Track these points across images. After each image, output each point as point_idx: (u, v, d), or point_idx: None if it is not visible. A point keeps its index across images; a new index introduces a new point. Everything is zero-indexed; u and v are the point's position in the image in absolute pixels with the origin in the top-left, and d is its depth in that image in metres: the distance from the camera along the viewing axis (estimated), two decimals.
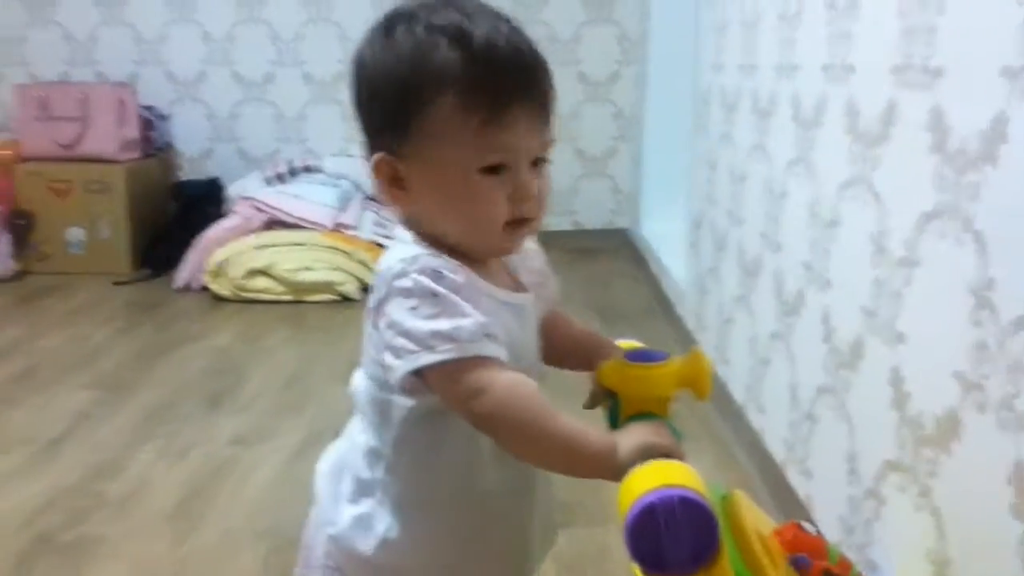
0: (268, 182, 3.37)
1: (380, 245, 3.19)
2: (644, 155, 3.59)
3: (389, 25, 0.76)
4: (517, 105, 0.73)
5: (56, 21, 3.68)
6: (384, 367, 0.74)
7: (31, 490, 1.74)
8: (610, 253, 3.74)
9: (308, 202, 3.22)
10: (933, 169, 1.05)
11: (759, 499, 1.65)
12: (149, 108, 3.65)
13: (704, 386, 0.81)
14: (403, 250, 0.75)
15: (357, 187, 3.45)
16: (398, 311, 0.72)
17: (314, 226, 3.16)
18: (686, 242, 2.58)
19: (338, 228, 3.19)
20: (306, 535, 0.86)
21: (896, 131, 1.17)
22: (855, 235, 1.30)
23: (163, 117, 3.70)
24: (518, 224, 0.76)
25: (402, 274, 0.72)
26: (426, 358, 0.70)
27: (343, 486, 0.82)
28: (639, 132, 3.65)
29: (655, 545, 0.64)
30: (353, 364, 0.83)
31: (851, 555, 1.27)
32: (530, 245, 0.86)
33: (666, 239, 3.09)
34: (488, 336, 0.71)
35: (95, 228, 3.41)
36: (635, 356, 0.82)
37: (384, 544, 0.79)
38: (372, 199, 3.46)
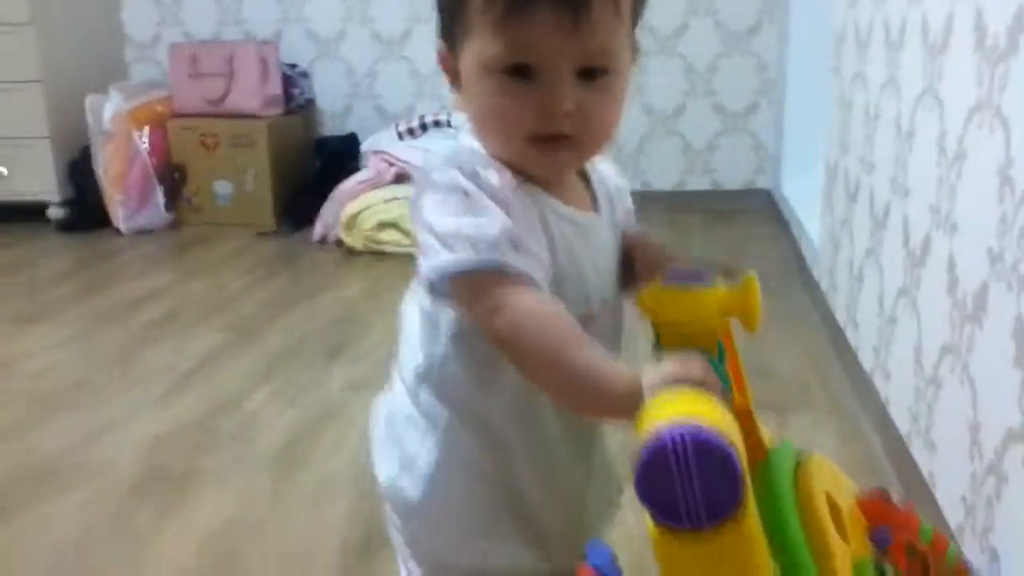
0: (400, 136, 3.41)
1: None
2: (787, 110, 3.39)
3: None
4: (519, 6, 0.66)
5: None
6: (417, 268, 0.70)
7: (156, 422, 1.84)
8: (750, 214, 3.57)
9: (437, 155, 3.24)
10: None
11: (883, 477, 1.52)
12: (292, 66, 3.76)
13: (753, 316, 0.72)
14: (453, 146, 0.73)
15: None
16: (427, 206, 0.68)
17: None
18: (822, 196, 2.42)
19: None
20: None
21: None
22: (981, 169, 1.16)
23: (305, 75, 3.81)
24: (550, 140, 0.69)
25: (439, 168, 0.70)
26: (445, 257, 0.66)
27: (392, 430, 0.80)
28: (782, 85, 3.45)
29: (665, 489, 0.56)
30: None
31: (972, 542, 1.15)
32: (604, 167, 0.81)
33: (806, 197, 2.91)
34: (514, 245, 0.65)
35: (241, 181, 3.56)
36: (675, 276, 0.74)
37: (430, 481, 0.75)
38: None
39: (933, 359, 1.36)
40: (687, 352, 0.69)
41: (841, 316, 2.08)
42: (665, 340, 0.73)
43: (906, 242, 1.54)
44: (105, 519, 1.50)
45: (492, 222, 0.65)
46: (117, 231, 3.46)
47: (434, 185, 0.69)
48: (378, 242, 3.11)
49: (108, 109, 3.42)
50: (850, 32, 2.07)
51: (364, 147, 3.52)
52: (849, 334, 1.97)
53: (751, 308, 0.72)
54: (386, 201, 3.12)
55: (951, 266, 1.29)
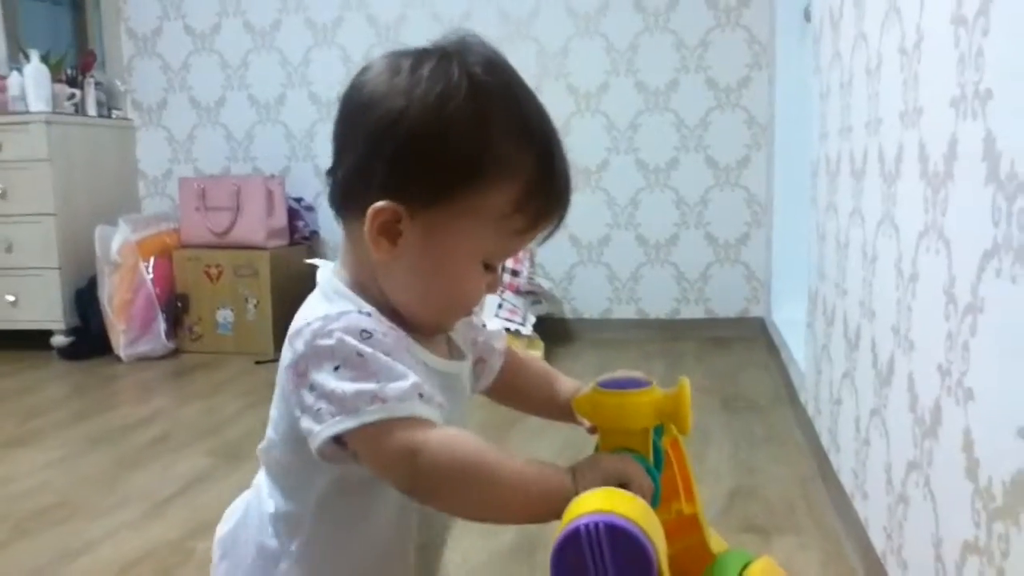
0: None
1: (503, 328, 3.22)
2: (775, 240, 3.47)
3: (451, 69, 0.70)
4: (549, 225, 0.74)
5: (220, 122, 4.04)
6: (304, 431, 0.68)
7: (133, 543, 1.83)
8: (744, 342, 3.61)
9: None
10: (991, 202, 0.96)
11: None
12: (298, 200, 3.90)
13: (684, 419, 0.74)
14: (325, 304, 0.71)
15: None
16: (319, 372, 0.66)
17: None
18: (806, 322, 2.45)
19: None
20: None
21: (958, 166, 1.07)
22: (930, 288, 1.19)
23: (310, 208, 3.94)
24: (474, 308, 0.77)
25: (324, 332, 0.67)
26: (350, 422, 0.65)
27: (243, 551, 0.78)
28: (770, 216, 3.54)
29: (588, 567, 0.58)
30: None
31: None
32: (475, 319, 0.85)
33: (794, 325, 2.94)
34: (422, 396, 0.66)
35: (243, 310, 3.63)
36: (610, 384, 0.77)
37: None
38: None
39: (901, 476, 1.35)
40: (627, 455, 0.71)
41: (825, 439, 2.08)
42: (603, 443, 0.75)
43: (875, 363, 1.56)
44: None
45: (397, 381, 0.65)
46: (118, 358, 3.51)
47: (325, 350, 0.66)
48: None
49: (116, 240, 3.54)
50: (822, 164, 2.16)
51: None
52: (832, 457, 1.97)
53: (683, 411, 0.74)
54: None
55: (911, 384, 1.31)
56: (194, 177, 3.92)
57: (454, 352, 0.80)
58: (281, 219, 3.74)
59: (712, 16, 3.65)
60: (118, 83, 4.07)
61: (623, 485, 0.65)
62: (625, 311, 3.86)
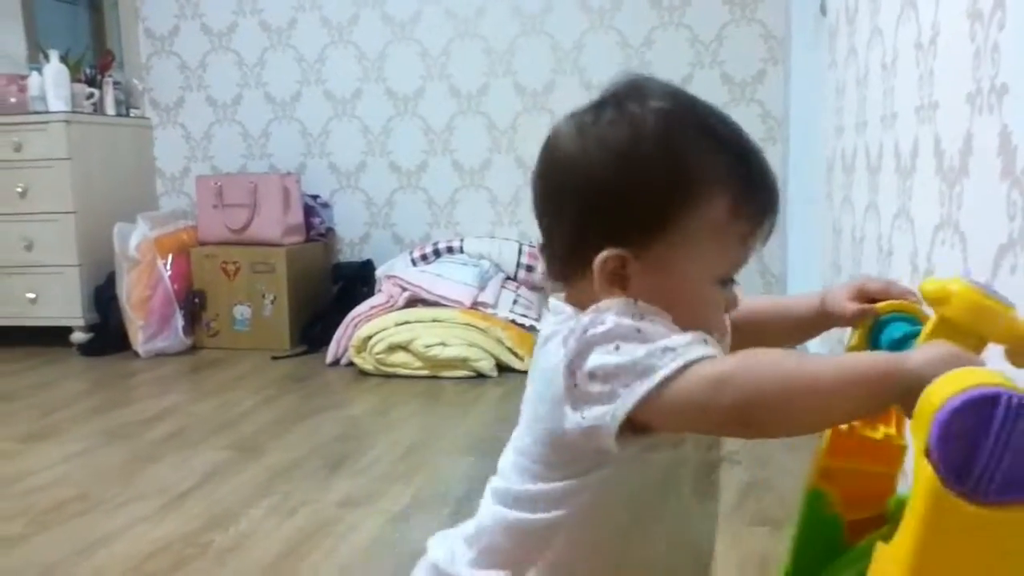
0: (413, 262, 3.51)
1: (517, 324, 3.22)
2: (791, 233, 3.46)
3: (633, 108, 0.72)
4: (768, 223, 0.73)
5: (236, 120, 4.07)
6: (588, 434, 0.66)
7: (150, 536, 1.84)
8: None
9: (449, 280, 3.32)
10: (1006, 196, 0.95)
11: None
12: (314, 197, 3.92)
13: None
14: (579, 312, 0.71)
15: (497, 267, 3.52)
16: (600, 357, 0.65)
17: (453, 304, 3.24)
18: None
19: (476, 306, 3.26)
20: None
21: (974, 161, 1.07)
22: None
23: (326, 205, 3.96)
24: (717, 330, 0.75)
25: (597, 322, 0.66)
26: (649, 381, 0.62)
27: (461, 554, 0.78)
28: (785, 210, 3.52)
29: (970, 442, 0.51)
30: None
31: None
32: None
33: None
34: (706, 341, 0.65)
35: (259, 306, 3.65)
36: (986, 286, 0.68)
37: None
38: (511, 279, 3.52)
39: None
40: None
41: None
42: (935, 334, 0.67)
43: None
44: None
45: (678, 336, 0.65)
46: (136, 354, 3.54)
47: (602, 335, 0.66)
48: (388, 365, 3.15)
49: (135, 237, 3.57)
50: (838, 159, 2.15)
51: (378, 272, 3.61)
52: None
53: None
54: (397, 324, 3.18)
55: None
56: (211, 175, 3.94)
57: None
58: (297, 216, 3.75)
59: (727, 11, 3.64)
60: (136, 82, 4.10)
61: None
62: None
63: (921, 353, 0.58)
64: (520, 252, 3.58)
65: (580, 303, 0.72)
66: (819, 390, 0.60)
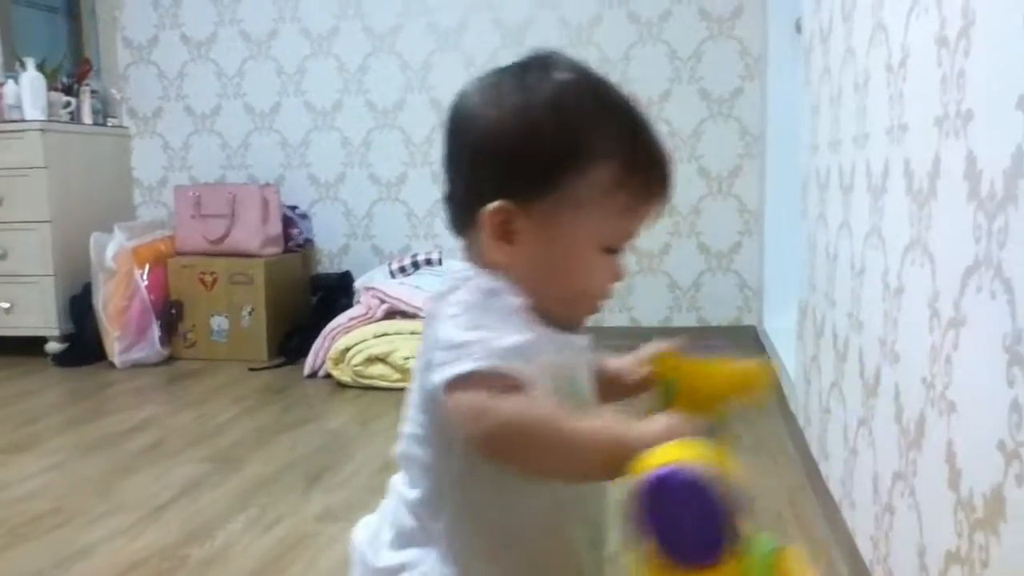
0: (392, 274, 3.52)
1: None
2: (767, 250, 3.50)
3: (533, 76, 0.76)
4: (657, 198, 0.77)
5: (215, 130, 4.06)
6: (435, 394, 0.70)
7: (128, 549, 1.84)
8: (736, 351, 3.62)
9: (428, 293, 3.33)
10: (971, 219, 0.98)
11: None
12: (293, 208, 3.92)
13: (761, 394, 0.75)
14: (459, 270, 0.75)
15: None
16: (444, 324, 0.70)
17: None
18: (796, 332, 2.47)
19: None
20: None
21: (941, 184, 1.10)
22: (915, 301, 1.22)
23: (304, 216, 3.96)
24: (604, 297, 0.78)
25: (454, 288, 0.72)
26: (456, 368, 0.67)
27: (383, 536, 0.79)
28: (762, 225, 3.57)
29: (662, 519, 0.57)
30: None
31: None
32: None
33: (785, 334, 2.97)
34: (522, 357, 0.67)
35: (237, 317, 3.64)
36: (701, 347, 0.77)
37: None
38: None
39: (887, 486, 1.37)
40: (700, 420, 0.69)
41: (814, 448, 2.10)
42: (679, 401, 0.75)
43: (862, 374, 1.58)
44: None
45: (500, 339, 0.67)
46: (112, 365, 3.52)
47: (452, 303, 0.71)
48: (367, 377, 3.15)
49: (112, 247, 3.55)
50: (812, 176, 2.18)
51: (357, 284, 3.62)
52: (821, 466, 1.99)
53: (760, 385, 0.75)
54: (376, 336, 3.18)
55: (897, 395, 1.33)
56: (189, 185, 3.93)
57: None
58: (276, 227, 3.75)
59: (705, 27, 3.68)
60: (114, 91, 4.08)
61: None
62: (618, 319, 3.88)
63: (643, 426, 0.65)
64: None
65: (475, 258, 0.77)
66: (563, 450, 0.66)
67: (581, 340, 0.81)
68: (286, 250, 3.82)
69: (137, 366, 3.54)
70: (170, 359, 3.66)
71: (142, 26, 4.07)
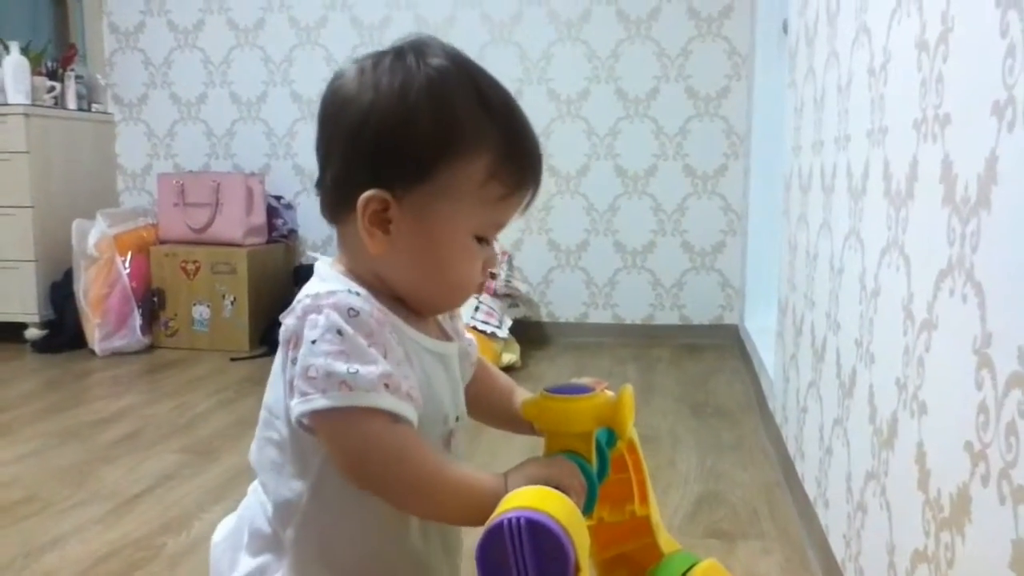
0: None
1: (478, 330, 3.24)
2: (750, 248, 3.52)
3: (410, 63, 0.75)
4: (527, 189, 0.78)
5: (200, 118, 4.04)
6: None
7: (101, 539, 1.83)
8: (717, 349, 3.65)
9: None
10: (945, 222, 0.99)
11: None
12: (278, 198, 3.90)
13: (622, 425, 0.77)
14: (321, 284, 0.74)
15: None
16: (304, 346, 0.70)
17: None
18: (776, 331, 2.49)
19: None
20: None
21: (919, 187, 1.10)
22: (890, 303, 1.22)
23: (289, 206, 3.94)
24: (478, 287, 0.80)
25: (313, 308, 0.71)
26: (318, 402, 0.68)
27: (240, 539, 0.79)
28: (745, 225, 3.58)
29: (501, 568, 0.61)
30: None
31: None
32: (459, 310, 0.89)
33: (765, 333, 2.99)
34: (389, 387, 0.69)
35: (219, 307, 3.63)
36: (557, 390, 0.79)
37: None
38: None
39: (860, 485, 1.38)
40: (562, 456, 0.74)
41: (791, 447, 2.11)
42: (548, 446, 0.77)
43: (838, 374, 1.59)
44: None
45: (368, 367, 0.68)
46: (92, 352, 3.50)
47: (311, 324, 0.70)
48: None
49: (93, 234, 3.53)
50: (795, 177, 2.19)
51: None
52: (797, 464, 2.00)
53: (620, 417, 0.77)
54: None
55: (871, 396, 1.34)
56: (173, 173, 3.91)
57: (444, 335, 0.83)
58: (260, 217, 3.74)
59: (693, 26, 3.69)
60: (99, 77, 4.05)
61: (553, 485, 0.67)
62: (601, 316, 3.89)
63: (515, 476, 0.70)
64: None
65: (348, 250, 0.77)
66: (438, 495, 0.69)
67: (451, 348, 0.82)
68: (270, 240, 3.81)
69: (117, 354, 3.52)
70: (151, 348, 3.64)
71: (128, 12, 4.04)
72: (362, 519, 0.75)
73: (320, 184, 0.79)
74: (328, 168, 0.77)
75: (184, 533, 1.86)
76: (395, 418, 0.69)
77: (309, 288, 0.75)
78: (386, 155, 0.73)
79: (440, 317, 0.84)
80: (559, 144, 3.71)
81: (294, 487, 0.75)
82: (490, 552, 0.61)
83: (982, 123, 0.89)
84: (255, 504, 0.79)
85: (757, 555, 1.76)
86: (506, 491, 0.67)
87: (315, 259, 0.83)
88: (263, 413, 0.79)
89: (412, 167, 0.73)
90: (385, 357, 0.70)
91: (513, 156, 0.75)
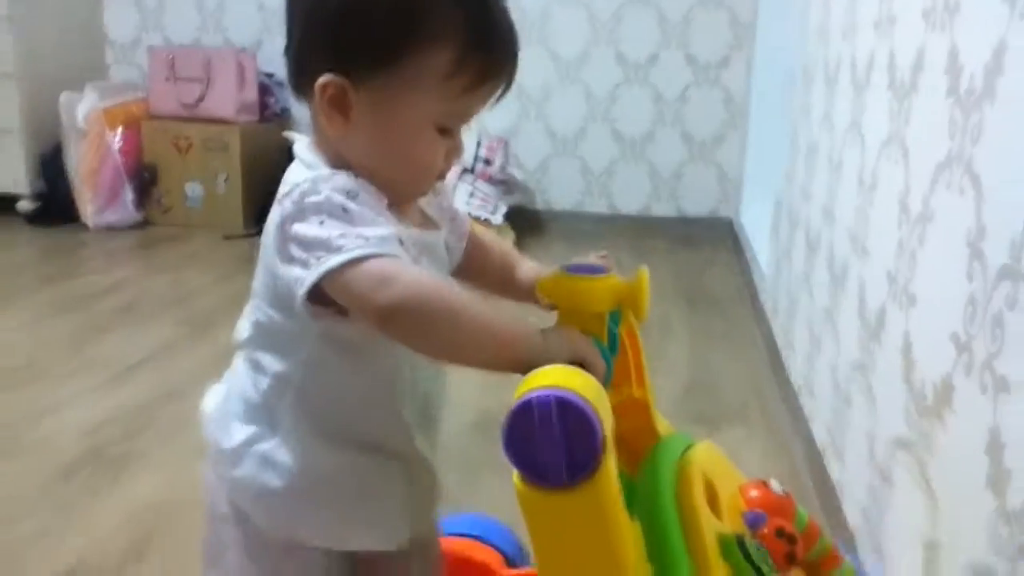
0: None
1: (473, 216, 3.23)
2: (750, 142, 3.48)
3: None
4: (497, 82, 0.74)
5: None
6: (290, 287, 0.69)
7: (99, 407, 1.87)
8: (712, 242, 3.65)
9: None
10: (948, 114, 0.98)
11: (803, 489, 1.58)
12: (269, 75, 3.82)
13: (641, 307, 0.78)
14: (312, 170, 0.73)
15: None
16: (305, 225, 0.68)
17: None
18: (771, 225, 2.49)
19: None
20: (206, 488, 0.83)
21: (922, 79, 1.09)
22: (887, 197, 1.22)
23: (281, 84, 3.85)
24: (440, 175, 0.78)
25: (313, 191, 0.69)
26: (334, 259, 0.66)
27: (232, 407, 0.79)
28: (746, 118, 3.54)
29: (529, 446, 0.62)
30: None
31: (866, 544, 1.21)
32: (451, 192, 0.87)
33: (760, 227, 2.99)
34: (401, 244, 0.68)
35: (212, 184, 3.60)
36: (575, 268, 0.79)
37: (294, 476, 0.76)
38: (469, 172, 3.51)
39: (846, 376, 1.42)
40: (584, 335, 0.74)
41: (780, 338, 2.15)
42: (562, 323, 0.78)
43: (830, 267, 1.60)
44: (33, 491, 1.53)
45: (378, 228, 0.68)
46: (85, 226, 3.49)
47: (312, 206, 0.68)
48: None
49: (83, 107, 3.46)
50: (798, 70, 2.15)
51: None
52: (785, 355, 2.04)
53: (640, 299, 0.77)
54: None
55: (861, 289, 1.35)
56: (163, 47, 3.81)
57: (428, 224, 0.82)
58: (252, 94, 3.66)
59: None
60: None
61: (580, 363, 0.68)
62: (597, 205, 3.88)
63: (549, 338, 0.68)
64: (479, 145, 3.56)
65: (317, 128, 0.75)
66: (461, 328, 0.66)
67: (436, 236, 0.81)
68: (262, 119, 3.74)
69: (110, 228, 3.51)
70: (144, 223, 3.63)
71: None
72: (355, 395, 0.76)
73: (285, 53, 0.76)
74: (291, 45, 0.75)
75: (180, 403, 1.90)
76: (408, 264, 0.68)
77: (300, 173, 0.73)
78: (345, 40, 0.70)
79: (422, 201, 0.83)
80: (558, 29, 3.61)
81: (288, 363, 0.76)
82: (518, 429, 0.61)
83: (993, 10, 0.87)
84: (243, 375, 0.79)
85: (741, 441, 1.82)
86: (541, 347, 0.67)
87: (290, 140, 0.80)
88: (252, 298, 0.78)
89: (372, 52, 0.70)
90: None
91: (483, 45, 0.71)
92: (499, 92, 0.76)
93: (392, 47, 0.70)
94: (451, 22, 0.70)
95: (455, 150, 0.76)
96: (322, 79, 0.70)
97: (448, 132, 0.75)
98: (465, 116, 0.75)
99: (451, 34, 0.70)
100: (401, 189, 0.76)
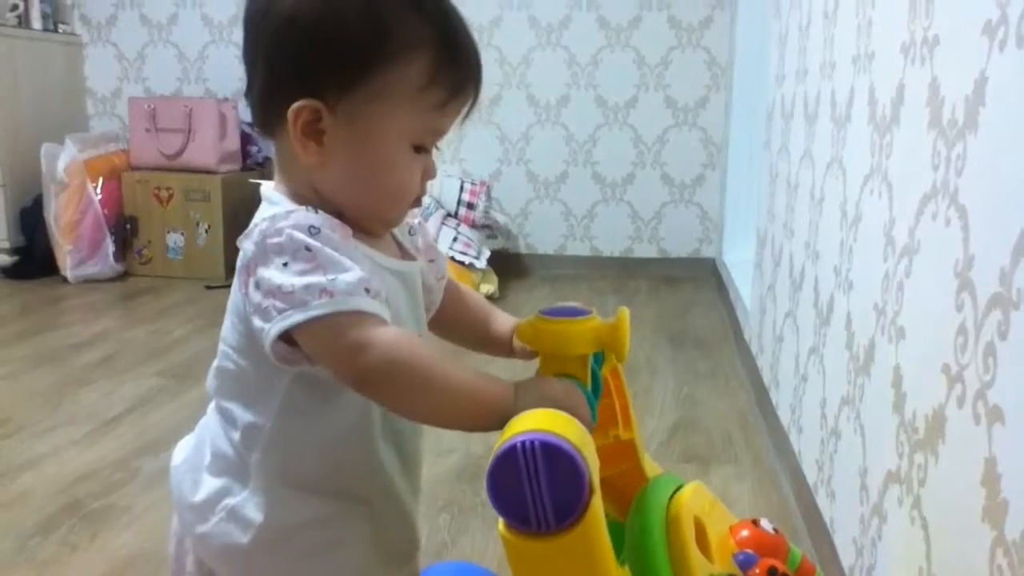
0: None
1: (456, 261, 3.23)
2: (729, 181, 3.51)
3: None
4: (465, 96, 0.74)
5: (171, 41, 3.93)
6: (255, 331, 0.68)
7: (79, 460, 1.83)
8: (694, 282, 3.67)
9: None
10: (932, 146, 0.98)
11: (794, 525, 1.56)
12: (251, 124, 3.82)
13: (621, 347, 0.76)
14: (273, 208, 0.71)
15: (438, 204, 3.50)
16: (267, 269, 0.66)
17: None
18: (754, 262, 2.50)
19: None
20: (171, 544, 0.80)
21: (904, 112, 1.10)
22: (871, 230, 1.23)
23: None
24: (416, 200, 0.77)
25: (273, 231, 0.67)
26: (298, 315, 0.65)
27: (201, 460, 0.77)
28: (725, 158, 3.57)
29: (514, 491, 0.60)
30: None
31: None
32: (415, 221, 0.86)
33: (743, 265, 3.00)
34: (368, 291, 0.66)
35: (193, 234, 3.58)
36: (552, 312, 0.78)
37: (262, 530, 0.74)
38: (452, 216, 3.52)
39: (834, 411, 1.41)
40: (566, 379, 0.73)
41: (766, 376, 2.14)
42: (543, 369, 0.77)
43: (816, 302, 1.60)
44: (11, 546, 1.49)
45: (344, 273, 0.66)
46: (64, 279, 3.46)
47: (273, 247, 0.67)
48: None
49: (63, 159, 3.45)
50: (777, 106, 2.18)
51: None
52: (772, 393, 2.03)
53: (620, 339, 0.76)
54: None
55: (848, 322, 1.35)
56: (144, 97, 3.82)
57: (404, 254, 0.81)
58: (234, 143, 3.67)
59: None
60: None
61: (562, 408, 0.67)
62: (579, 248, 3.89)
63: (523, 393, 0.67)
64: (462, 189, 3.57)
65: (285, 165, 0.74)
66: (435, 390, 0.66)
67: (412, 266, 0.80)
68: (244, 167, 3.75)
69: (90, 281, 3.48)
70: (124, 275, 3.60)
71: None
72: (328, 438, 0.74)
73: (248, 95, 0.75)
74: (254, 79, 0.73)
75: (162, 455, 1.86)
76: (379, 319, 0.66)
77: (263, 212, 0.72)
78: (314, 63, 0.69)
79: (399, 235, 0.82)
80: (539, 73, 3.65)
81: (258, 412, 0.74)
82: (502, 475, 0.59)
83: (972, 43, 0.88)
84: (215, 425, 0.77)
85: (730, 479, 1.80)
86: (515, 403, 0.66)
87: (259, 183, 0.79)
88: (221, 344, 0.77)
89: (344, 73, 0.69)
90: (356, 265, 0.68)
91: (451, 59, 0.71)
92: (467, 108, 0.75)
93: (366, 61, 0.69)
94: (418, 34, 0.70)
95: (429, 170, 0.76)
96: (295, 105, 0.69)
97: (422, 150, 0.74)
98: (438, 132, 0.75)
99: (422, 47, 0.70)
100: (377, 216, 0.76)
